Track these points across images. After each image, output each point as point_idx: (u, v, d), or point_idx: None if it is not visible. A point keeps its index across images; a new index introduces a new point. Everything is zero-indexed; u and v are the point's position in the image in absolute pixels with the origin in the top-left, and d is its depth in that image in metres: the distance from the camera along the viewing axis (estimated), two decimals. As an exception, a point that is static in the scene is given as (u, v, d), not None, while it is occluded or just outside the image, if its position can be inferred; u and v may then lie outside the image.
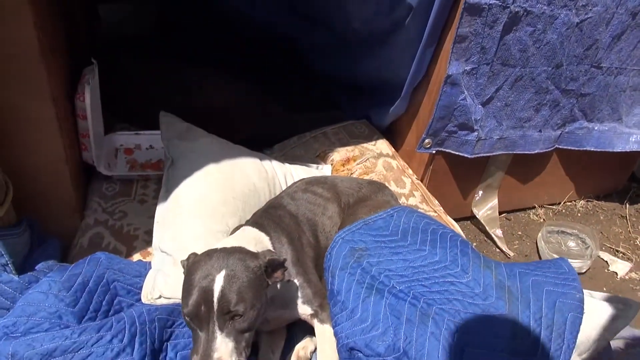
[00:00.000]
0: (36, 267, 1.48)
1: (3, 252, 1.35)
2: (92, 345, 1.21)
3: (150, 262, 1.63)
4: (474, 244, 2.56)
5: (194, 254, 1.31)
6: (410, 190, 2.20)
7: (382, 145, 2.42)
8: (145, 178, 2.08)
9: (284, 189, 1.98)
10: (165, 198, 1.75)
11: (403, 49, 2.17)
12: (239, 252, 1.29)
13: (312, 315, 1.46)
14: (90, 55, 1.99)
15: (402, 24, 2.10)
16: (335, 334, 1.36)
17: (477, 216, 2.61)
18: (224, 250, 1.29)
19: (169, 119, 1.90)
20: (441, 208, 2.16)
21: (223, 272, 1.21)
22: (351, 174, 2.25)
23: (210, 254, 1.28)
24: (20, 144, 1.57)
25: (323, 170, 2.28)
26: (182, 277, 1.31)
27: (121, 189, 2.00)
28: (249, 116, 2.74)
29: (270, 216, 1.61)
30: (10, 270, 1.36)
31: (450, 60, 1.99)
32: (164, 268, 1.55)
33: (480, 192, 2.60)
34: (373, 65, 2.47)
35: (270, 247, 1.47)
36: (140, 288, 1.50)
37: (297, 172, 2.15)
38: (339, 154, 2.35)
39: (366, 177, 2.20)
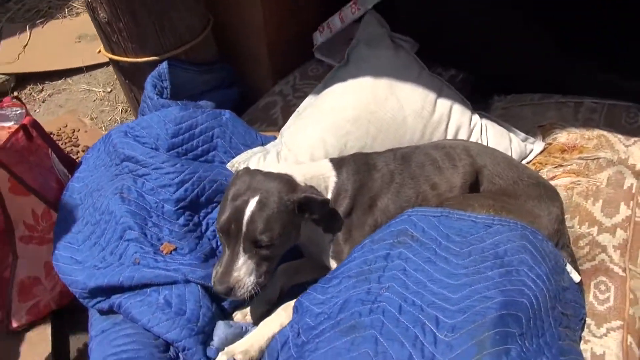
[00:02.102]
0: (200, 102, 1.80)
1: (166, 78, 1.70)
2: (154, 169, 1.47)
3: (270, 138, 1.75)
4: None
5: (245, 169, 1.34)
6: (616, 224, 1.50)
7: (638, 154, 1.66)
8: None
9: (447, 138, 1.68)
10: (317, 92, 1.76)
11: None
12: (279, 180, 1.26)
13: None
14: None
15: None
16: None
17: None
18: (267, 175, 1.28)
19: (371, 19, 1.80)
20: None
21: (257, 197, 1.22)
22: (554, 167, 1.68)
23: (254, 174, 1.29)
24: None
25: (532, 145, 1.78)
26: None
27: (323, 73, 2.07)
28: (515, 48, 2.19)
29: (362, 161, 1.43)
30: (166, 94, 1.71)
31: None
32: (266, 154, 1.64)
33: None
34: None
35: (330, 190, 1.36)
36: (237, 155, 1.64)
37: (490, 132, 1.75)
38: (566, 136, 1.75)
39: (565, 179, 1.61)
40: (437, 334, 0.99)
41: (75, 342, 1.35)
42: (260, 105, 2.00)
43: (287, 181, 1.27)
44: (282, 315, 1.26)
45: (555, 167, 1.70)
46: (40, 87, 2.77)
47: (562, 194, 1.58)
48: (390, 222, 1.30)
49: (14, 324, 1.55)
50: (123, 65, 1.81)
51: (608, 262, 1.39)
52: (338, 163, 1.41)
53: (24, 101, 2.69)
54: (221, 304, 1.37)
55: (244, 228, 1.19)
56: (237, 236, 1.20)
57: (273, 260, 1.28)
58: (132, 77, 1.83)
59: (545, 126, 1.83)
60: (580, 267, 1.43)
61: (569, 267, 1.30)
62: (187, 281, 1.31)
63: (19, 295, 1.57)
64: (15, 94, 2.73)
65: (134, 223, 1.38)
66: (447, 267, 1.14)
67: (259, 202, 1.20)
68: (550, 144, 1.78)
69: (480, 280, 1.10)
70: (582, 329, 1.29)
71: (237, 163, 1.60)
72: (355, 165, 1.40)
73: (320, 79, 1.85)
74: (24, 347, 1.53)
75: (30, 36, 3.07)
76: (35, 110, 2.64)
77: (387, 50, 1.73)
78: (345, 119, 1.61)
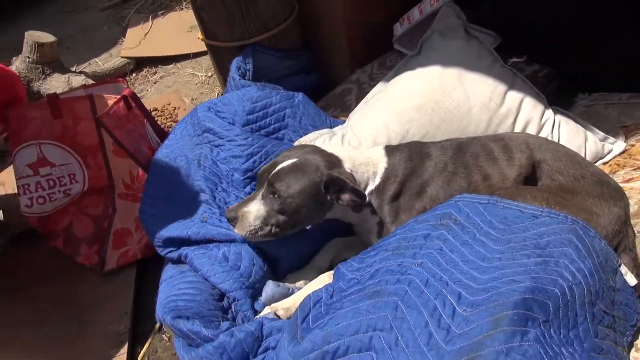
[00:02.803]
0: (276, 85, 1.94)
1: (249, 62, 1.86)
2: (228, 141, 1.64)
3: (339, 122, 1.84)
4: None
5: (304, 144, 1.47)
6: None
7: None
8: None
9: (515, 131, 1.65)
10: (388, 79, 1.82)
11: None
12: (323, 157, 1.37)
13: None
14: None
15: None
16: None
17: None
18: (317, 150, 1.41)
19: (448, 10, 1.80)
20: None
21: (292, 161, 1.35)
22: (632, 169, 1.58)
23: (308, 147, 1.44)
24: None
25: (612, 146, 1.68)
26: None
27: (397, 62, 2.10)
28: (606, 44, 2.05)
29: (416, 149, 1.47)
30: (249, 76, 1.87)
31: None
32: (332, 136, 1.74)
33: None
34: None
35: (378, 175, 1.43)
36: (305, 134, 1.76)
37: (563, 129, 1.69)
38: (652, 138, 1.64)
39: (632, 185, 1.51)
40: (456, 308, 1.02)
41: (153, 287, 1.54)
42: (337, 92, 2.10)
43: (329, 160, 1.37)
44: (326, 280, 1.35)
45: (634, 169, 1.60)
46: (154, 70, 3.12)
47: (637, 197, 1.49)
48: (437, 206, 1.34)
49: (107, 267, 1.81)
50: (215, 49, 2.01)
51: (677, 271, 1.30)
52: (392, 150, 1.47)
53: (139, 82, 3.08)
54: (274, 266, 1.49)
55: (269, 176, 1.33)
56: (263, 184, 1.35)
57: (287, 222, 1.35)
58: (222, 61, 2.02)
59: (629, 127, 1.72)
60: (645, 274, 1.35)
61: (623, 269, 1.23)
62: (245, 241, 1.45)
63: (113, 243, 1.83)
64: (134, 75, 3.12)
65: (206, 187, 1.55)
66: (482, 251, 1.16)
67: (293, 163, 1.34)
68: (633, 145, 1.67)
69: (513, 265, 1.10)
70: (635, 336, 1.23)
71: (304, 142, 1.72)
72: (408, 153, 1.45)
73: (390, 69, 1.90)
74: (112, 287, 1.78)
75: (151, 26, 3.46)
76: (148, 90, 2.99)
77: (459, 41, 1.73)
78: (410, 106, 1.65)
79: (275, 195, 1.32)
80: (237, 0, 1.79)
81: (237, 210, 1.34)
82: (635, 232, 1.43)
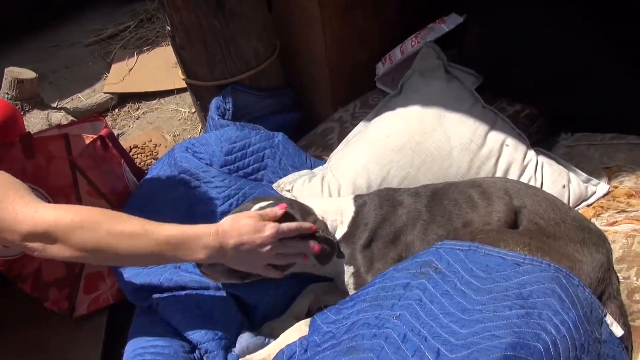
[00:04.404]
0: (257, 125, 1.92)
1: (230, 101, 1.84)
2: (204, 183, 1.59)
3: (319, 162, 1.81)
4: None
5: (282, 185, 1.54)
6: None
7: None
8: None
9: (496, 174, 1.63)
10: (369, 119, 1.80)
11: None
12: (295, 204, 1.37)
13: None
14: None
15: None
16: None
17: None
18: (289, 199, 1.43)
19: (429, 50, 1.80)
20: None
21: (267, 203, 1.34)
22: (616, 212, 1.55)
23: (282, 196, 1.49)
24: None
25: (595, 187, 1.67)
26: (314, 195, 1.57)
27: (380, 100, 2.09)
28: (590, 83, 2.06)
29: (387, 197, 1.45)
30: (228, 115, 1.84)
31: None
32: (312, 177, 1.70)
33: None
34: None
35: (345, 224, 1.40)
36: (285, 175, 1.72)
37: (546, 171, 1.67)
38: (635, 180, 1.62)
39: (628, 226, 1.48)
40: (435, 366, 0.97)
41: (125, 334, 1.48)
42: (318, 130, 2.07)
43: (301, 208, 1.36)
44: (302, 328, 1.29)
45: (618, 212, 1.58)
46: (137, 106, 3.09)
47: (622, 241, 1.46)
48: (417, 254, 1.29)
49: (77, 313, 1.73)
50: (196, 88, 1.99)
51: (663, 319, 1.26)
52: (361, 199, 1.46)
53: (121, 117, 3.05)
54: (249, 315, 1.43)
55: None
56: None
57: None
58: (203, 99, 2.00)
59: (612, 168, 1.70)
60: (632, 323, 1.31)
61: (609, 319, 1.19)
62: (218, 288, 1.39)
63: (84, 287, 1.76)
64: (116, 110, 3.08)
65: (180, 230, 1.50)
66: (462, 302, 1.11)
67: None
68: (616, 187, 1.65)
69: (494, 318, 1.05)
70: (624, 390, 1.18)
71: (283, 184, 1.68)
72: (379, 201, 1.43)
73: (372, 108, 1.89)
74: (82, 334, 1.70)
75: (136, 61, 3.45)
76: (130, 126, 2.95)
77: (439, 81, 1.72)
78: (390, 148, 1.63)
79: None
80: (217, 40, 1.77)
81: None
82: (621, 278, 1.39)
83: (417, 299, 1.14)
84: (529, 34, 1.92)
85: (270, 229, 1.20)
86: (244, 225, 1.18)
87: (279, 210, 1.27)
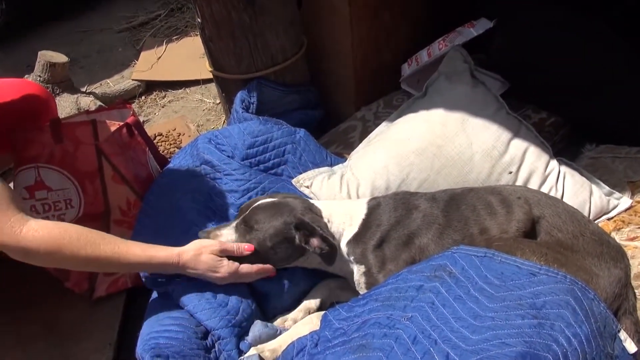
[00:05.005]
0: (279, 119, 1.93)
1: (254, 95, 1.86)
2: (225, 175, 1.62)
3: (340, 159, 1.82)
4: None
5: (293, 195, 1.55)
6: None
7: None
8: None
9: (516, 182, 1.62)
10: (392, 120, 1.81)
11: None
12: (299, 203, 1.41)
13: None
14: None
15: None
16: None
17: None
18: (299, 198, 1.47)
19: (456, 54, 1.80)
20: None
21: (272, 200, 1.42)
22: (638, 227, 1.53)
23: (293, 196, 1.52)
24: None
25: (618, 201, 1.64)
26: (332, 192, 1.61)
27: (404, 101, 2.09)
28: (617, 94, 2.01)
29: (402, 200, 1.46)
30: (252, 109, 1.86)
31: None
32: (332, 174, 1.71)
33: None
34: None
35: (355, 224, 1.42)
36: (304, 171, 1.74)
37: (568, 182, 1.65)
38: (659, 195, 1.60)
39: (636, 243, 1.46)
40: (443, 370, 0.98)
41: (141, 318, 1.51)
42: (340, 128, 2.09)
43: (307, 207, 1.40)
44: (314, 321, 1.31)
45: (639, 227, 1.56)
46: (163, 94, 3.14)
47: (642, 257, 1.44)
48: (432, 257, 1.30)
49: (96, 294, 1.78)
50: (222, 80, 2.02)
51: (680, 338, 1.24)
52: (375, 201, 1.47)
53: (148, 105, 3.10)
54: (261, 305, 1.46)
55: (247, 210, 1.40)
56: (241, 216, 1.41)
57: (257, 255, 1.37)
58: (228, 91, 2.02)
59: (636, 182, 1.68)
60: (647, 341, 1.30)
61: (623, 335, 1.18)
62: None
63: (104, 269, 1.80)
64: (143, 98, 3.14)
65: (199, 220, 1.53)
66: (475, 308, 1.11)
67: (272, 202, 1.40)
68: (639, 202, 1.63)
69: (506, 326, 1.05)
70: (634, 407, 1.17)
71: (303, 180, 1.70)
72: (393, 203, 1.44)
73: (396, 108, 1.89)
74: (99, 315, 1.74)
75: (165, 50, 3.50)
76: (155, 114, 3.00)
77: (464, 86, 1.72)
78: (411, 150, 1.63)
79: (247, 226, 1.37)
80: (245, 34, 1.80)
81: (210, 232, 1.40)
82: (638, 294, 1.38)
83: (430, 302, 1.14)
84: (557, 42, 1.90)
85: (225, 271, 1.34)
86: (202, 262, 1.33)
87: (245, 249, 1.35)
